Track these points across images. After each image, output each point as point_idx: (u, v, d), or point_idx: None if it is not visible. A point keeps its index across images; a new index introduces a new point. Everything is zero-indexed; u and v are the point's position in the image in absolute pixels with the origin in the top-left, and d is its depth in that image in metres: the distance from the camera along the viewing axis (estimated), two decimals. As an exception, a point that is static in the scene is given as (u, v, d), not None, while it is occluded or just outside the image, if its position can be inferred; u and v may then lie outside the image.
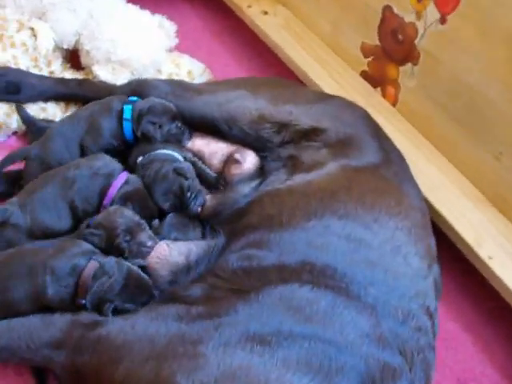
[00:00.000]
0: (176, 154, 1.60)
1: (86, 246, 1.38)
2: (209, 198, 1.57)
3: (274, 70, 2.14)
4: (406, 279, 1.32)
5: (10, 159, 1.65)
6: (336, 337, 1.16)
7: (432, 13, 1.68)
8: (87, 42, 1.90)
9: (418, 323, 1.26)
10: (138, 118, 1.62)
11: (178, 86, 1.74)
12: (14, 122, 1.83)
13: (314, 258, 1.29)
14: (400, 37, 1.84)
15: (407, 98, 1.88)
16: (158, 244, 1.43)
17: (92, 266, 1.32)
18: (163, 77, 1.97)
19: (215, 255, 1.41)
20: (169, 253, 1.42)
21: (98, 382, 1.17)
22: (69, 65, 2.00)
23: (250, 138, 1.63)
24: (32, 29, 1.87)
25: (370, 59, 1.98)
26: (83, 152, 1.65)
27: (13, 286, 1.33)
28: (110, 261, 1.34)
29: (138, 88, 1.74)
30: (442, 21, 1.66)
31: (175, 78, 1.98)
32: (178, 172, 1.52)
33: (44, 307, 1.32)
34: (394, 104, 1.93)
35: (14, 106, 1.81)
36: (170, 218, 1.51)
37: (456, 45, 1.65)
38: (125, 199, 1.49)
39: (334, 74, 2.01)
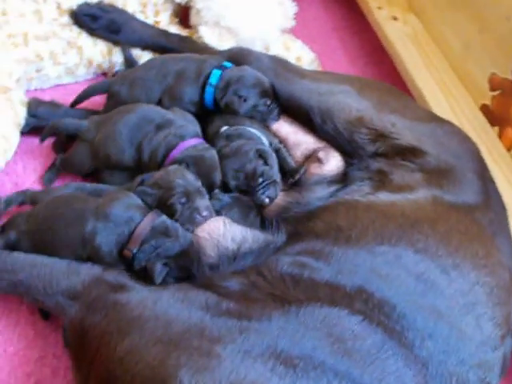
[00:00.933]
0: (263, 138, 1.46)
1: (138, 201, 1.29)
2: (281, 195, 1.42)
3: (388, 80, 1.96)
4: (472, 344, 1.12)
5: (93, 90, 1.62)
6: None
7: None
8: (200, 0, 1.79)
9: None
10: (225, 86, 1.49)
11: (280, 64, 1.60)
12: (107, 62, 1.76)
13: (373, 287, 1.12)
14: (537, 76, 1.63)
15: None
16: (213, 218, 1.30)
17: (150, 219, 1.23)
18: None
19: (268, 253, 1.27)
20: (222, 233, 1.28)
21: (98, 348, 1.06)
22: (176, 19, 1.90)
23: (341, 138, 1.46)
24: (149, -26, 1.78)
25: (495, 93, 1.77)
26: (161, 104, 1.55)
27: (58, 229, 1.26)
28: (175, 224, 1.25)
29: (237, 55, 1.62)
30: None
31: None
32: (260, 154, 1.39)
33: (82, 259, 1.24)
34: (509, 148, 1.72)
35: (110, 46, 1.73)
36: (234, 195, 1.38)
37: None
38: (188, 163, 1.36)
39: (451, 100, 1.81)
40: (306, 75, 1.57)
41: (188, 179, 1.31)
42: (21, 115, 1.50)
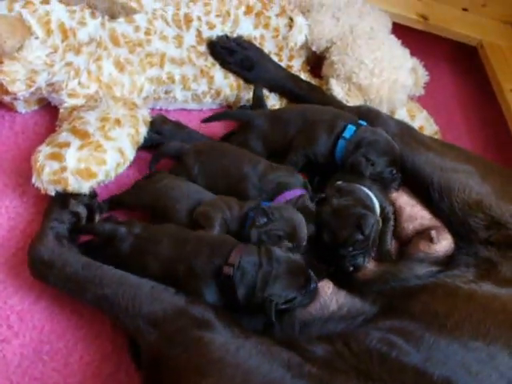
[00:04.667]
0: (376, 202, 1.44)
1: None
2: (374, 264, 1.40)
3: (507, 165, 1.90)
4: None
5: (232, 115, 1.73)
6: None
7: None
8: (337, 53, 1.81)
9: None
10: (356, 145, 1.49)
11: (407, 132, 1.59)
12: (234, 96, 1.79)
13: (461, 382, 1.07)
14: None
15: None
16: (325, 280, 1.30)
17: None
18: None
19: (357, 323, 1.24)
20: (329, 295, 1.27)
21: (177, 381, 1.05)
22: (308, 67, 1.92)
23: (455, 218, 1.43)
24: (291, 19, 1.81)
25: None
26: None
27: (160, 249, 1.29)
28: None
29: (366, 115, 1.61)
30: None
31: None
32: (360, 223, 1.35)
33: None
34: None
35: (240, 81, 1.77)
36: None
37: None
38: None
39: None
40: (432, 148, 1.54)
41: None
42: (141, 134, 1.53)
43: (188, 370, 1.05)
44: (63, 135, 1.42)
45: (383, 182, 1.49)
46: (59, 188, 1.37)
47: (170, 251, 1.27)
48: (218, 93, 1.77)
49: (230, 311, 1.22)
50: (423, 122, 1.86)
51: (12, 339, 1.27)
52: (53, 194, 1.38)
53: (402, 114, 1.86)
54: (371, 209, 1.41)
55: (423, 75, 1.91)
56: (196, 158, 1.50)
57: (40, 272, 1.29)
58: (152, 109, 1.75)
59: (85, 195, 1.42)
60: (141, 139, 1.52)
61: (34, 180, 1.37)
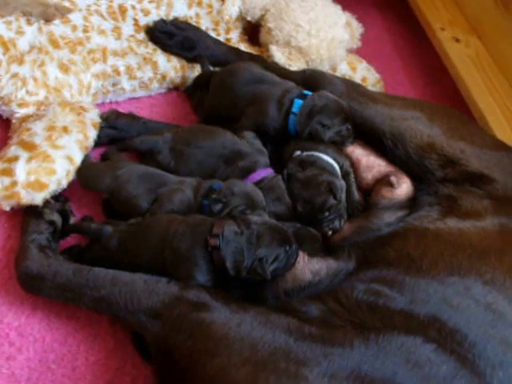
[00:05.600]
0: (336, 166, 1.51)
1: None
2: (348, 223, 1.48)
3: (449, 102, 1.99)
4: None
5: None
6: None
7: None
8: (272, 19, 1.85)
9: None
10: (308, 115, 1.54)
11: (353, 88, 1.65)
12: (179, 77, 1.81)
13: (446, 316, 1.17)
14: None
15: None
16: None
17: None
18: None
19: (340, 279, 1.32)
20: (301, 267, 1.34)
21: (188, 366, 1.12)
22: (246, 37, 1.95)
23: (411, 163, 1.51)
24: (223, -8, 1.84)
25: (559, 118, 1.80)
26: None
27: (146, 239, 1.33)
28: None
29: (312, 78, 1.66)
30: None
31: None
32: (331, 188, 1.43)
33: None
34: None
35: (183, 62, 1.80)
36: (296, 226, 1.43)
37: None
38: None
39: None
40: (379, 100, 1.61)
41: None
42: (91, 138, 1.53)
43: (197, 353, 1.11)
44: (12, 149, 1.43)
45: (341, 140, 1.56)
46: (13, 203, 1.38)
47: (156, 240, 1.31)
48: (163, 77, 1.79)
49: (221, 289, 1.28)
50: (365, 73, 1.93)
51: (16, 355, 1.31)
52: (7, 209, 1.40)
53: (343, 69, 1.92)
54: (334, 174, 1.49)
55: (358, 28, 1.97)
56: (171, 155, 1.54)
57: (32, 286, 1.32)
58: (102, 103, 1.76)
59: (56, 201, 1.45)
60: (90, 143, 1.52)
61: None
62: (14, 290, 1.37)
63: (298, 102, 1.56)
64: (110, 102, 1.79)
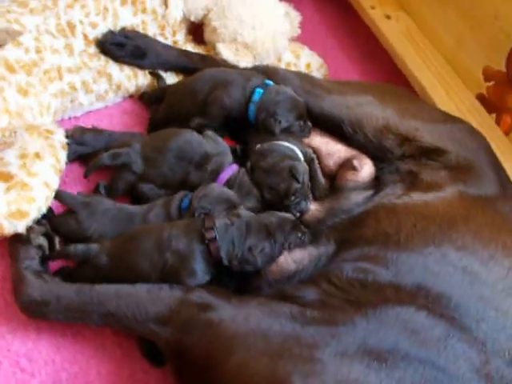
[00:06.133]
0: (297, 150, 1.60)
1: None
2: (316, 204, 1.57)
3: (388, 75, 2.12)
4: None
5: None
6: (449, 367, 1.17)
7: None
8: (216, 18, 1.90)
9: None
10: (263, 107, 1.63)
11: (307, 81, 1.74)
12: (133, 86, 1.86)
13: (430, 284, 1.29)
14: (530, 69, 1.81)
15: (524, 131, 1.86)
16: None
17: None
18: (282, 65, 1.98)
19: (323, 263, 1.43)
20: (284, 258, 1.43)
21: (207, 365, 1.19)
22: (191, 37, 2.00)
23: (371, 145, 1.63)
24: (163, -4, 1.89)
25: (490, 84, 1.95)
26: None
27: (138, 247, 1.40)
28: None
29: (265, 75, 1.74)
30: None
31: (294, 68, 2.00)
32: (293, 173, 1.52)
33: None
34: (507, 133, 1.90)
35: (136, 70, 1.84)
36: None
37: None
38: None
39: (451, 92, 1.98)
40: (332, 90, 1.71)
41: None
42: (62, 160, 1.56)
43: (213, 353, 1.19)
44: None
45: (294, 135, 1.66)
46: None
47: (151, 246, 1.37)
48: (118, 87, 1.83)
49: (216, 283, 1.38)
50: (308, 59, 2.02)
51: (30, 380, 1.35)
52: None
53: (288, 57, 2.00)
54: (296, 158, 1.59)
55: (296, 16, 2.05)
56: (144, 164, 1.59)
57: (37, 313, 1.36)
58: (61, 120, 1.78)
59: (40, 225, 1.48)
60: (62, 165, 1.55)
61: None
62: (15, 316, 1.40)
63: (259, 92, 1.65)
64: (69, 118, 1.82)
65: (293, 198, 1.51)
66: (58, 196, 1.50)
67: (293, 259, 1.44)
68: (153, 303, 1.30)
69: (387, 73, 2.16)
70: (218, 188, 1.51)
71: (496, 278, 1.34)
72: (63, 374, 1.38)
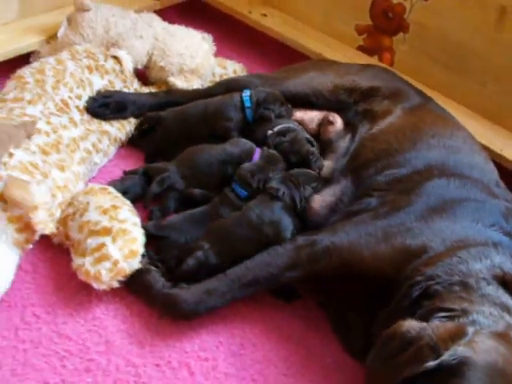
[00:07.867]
0: (296, 125, 2.11)
1: None
2: (327, 162, 2.07)
3: (286, 57, 2.66)
4: (483, 166, 1.92)
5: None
6: (482, 198, 1.72)
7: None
8: (160, 59, 2.30)
9: (502, 185, 1.88)
10: (256, 105, 2.10)
11: (263, 78, 2.27)
12: (124, 134, 2.18)
13: (433, 161, 1.84)
14: (390, 15, 2.47)
15: (402, 59, 2.53)
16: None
17: None
18: (217, 78, 2.45)
19: (350, 188, 1.92)
20: (323, 199, 1.91)
21: (346, 271, 1.62)
22: (141, 82, 2.37)
23: (332, 103, 2.18)
24: (114, 57, 2.23)
25: (364, 36, 2.59)
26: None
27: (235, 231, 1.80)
28: None
29: (231, 86, 2.22)
30: None
31: (225, 77, 2.46)
32: (309, 140, 2.04)
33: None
34: (391, 65, 2.56)
35: (121, 121, 2.18)
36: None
37: (440, 13, 2.32)
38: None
39: (337, 54, 2.57)
40: (286, 77, 2.26)
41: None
42: (130, 204, 1.87)
43: (346, 262, 1.62)
44: (89, 242, 1.70)
45: (283, 117, 2.16)
46: (120, 278, 1.68)
47: (247, 232, 1.78)
48: (115, 140, 2.15)
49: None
50: (233, 66, 2.52)
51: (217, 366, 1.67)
52: (117, 285, 1.69)
53: (218, 71, 2.48)
54: (300, 130, 2.11)
55: (209, 37, 2.50)
56: (184, 181, 1.97)
57: (194, 312, 1.66)
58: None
59: (145, 254, 1.76)
60: (132, 208, 1.86)
61: (96, 286, 1.66)
62: (168, 329, 1.69)
63: (247, 99, 2.11)
64: (89, 181, 2.08)
65: (311, 157, 2.01)
66: (146, 230, 1.82)
67: (328, 195, 1.93)
68: (277, 259, 1.69)
69: (285, 56, 2.71)
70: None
71: (462, 145, 1.95)
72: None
